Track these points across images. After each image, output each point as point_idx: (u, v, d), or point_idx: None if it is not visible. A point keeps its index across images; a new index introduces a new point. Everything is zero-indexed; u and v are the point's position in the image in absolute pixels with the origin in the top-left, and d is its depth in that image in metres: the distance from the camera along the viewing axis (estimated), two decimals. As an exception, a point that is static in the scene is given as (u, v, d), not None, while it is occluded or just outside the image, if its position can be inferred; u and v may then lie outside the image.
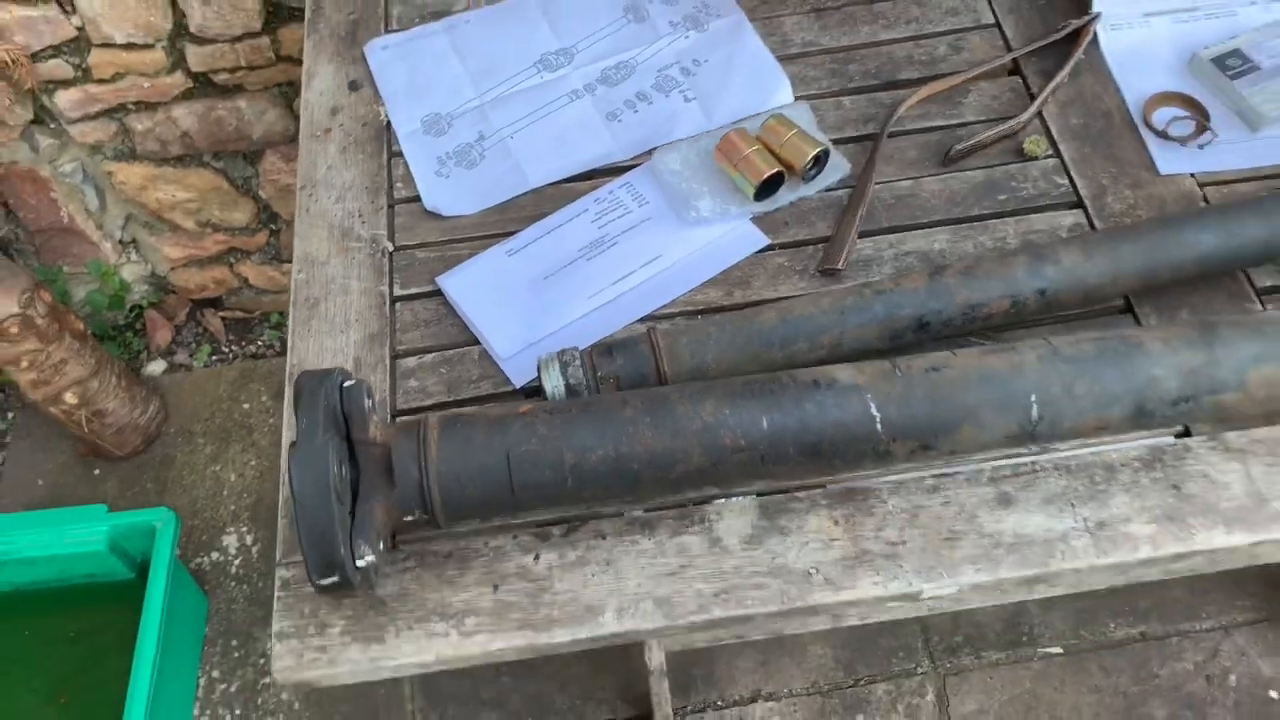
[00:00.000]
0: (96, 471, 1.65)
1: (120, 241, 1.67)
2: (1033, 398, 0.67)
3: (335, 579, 0.62)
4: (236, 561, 1.57)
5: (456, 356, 0.82)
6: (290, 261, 1.71)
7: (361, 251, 0.88)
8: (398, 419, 0.79)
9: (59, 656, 1.44)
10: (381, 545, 0.65)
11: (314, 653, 0.69)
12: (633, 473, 0.66)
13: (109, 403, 1.57)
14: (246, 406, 1.72)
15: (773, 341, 0.75)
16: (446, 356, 0.82)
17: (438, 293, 0.85)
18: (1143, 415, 0.69)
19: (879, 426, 0.66)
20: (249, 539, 1.59)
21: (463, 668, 0.70)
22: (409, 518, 0.66)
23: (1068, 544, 0.71)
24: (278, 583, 0.72)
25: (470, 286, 0.84)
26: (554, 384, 0.74)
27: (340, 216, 0.90)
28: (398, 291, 0.86)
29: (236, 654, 1.49)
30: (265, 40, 1.38)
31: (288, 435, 0.76)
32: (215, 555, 1.58)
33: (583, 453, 0.66)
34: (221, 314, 1.81)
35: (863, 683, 1.43)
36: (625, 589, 0.70)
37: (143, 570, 1.41)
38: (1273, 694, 1.40)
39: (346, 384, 0.66)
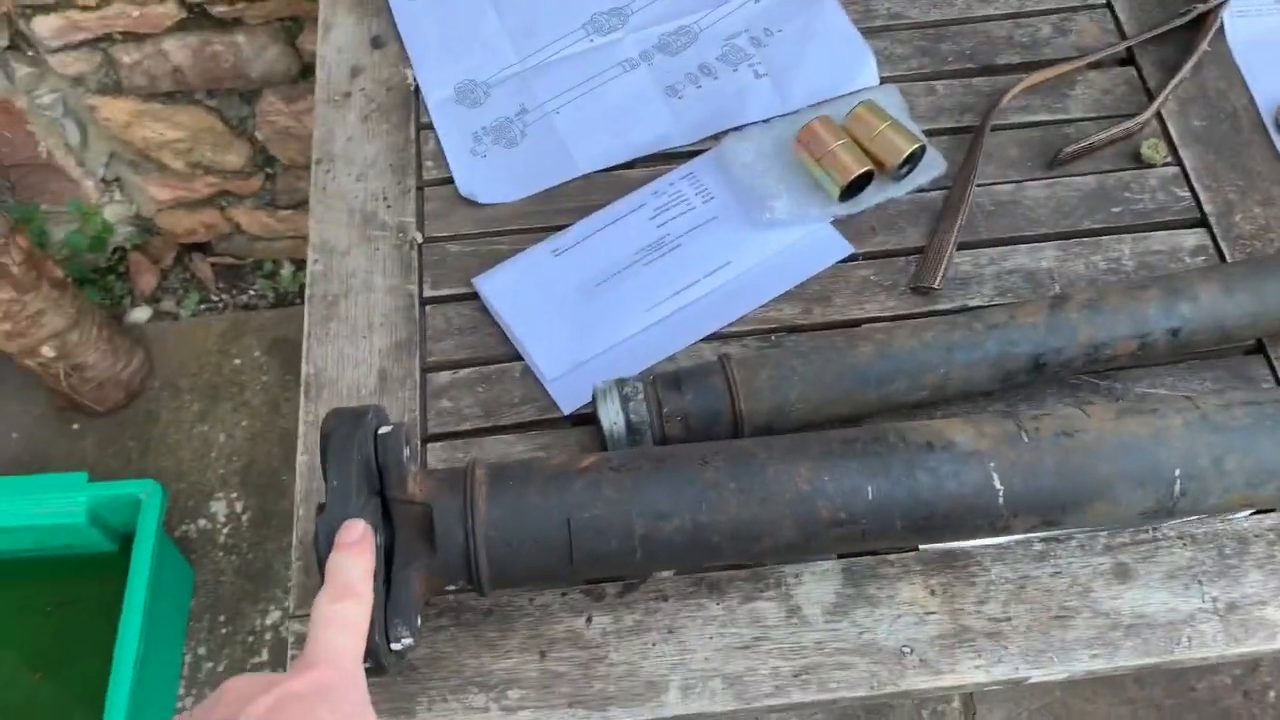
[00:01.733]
0: (75, 427, 1.54)
1: (103, 180, 1.54)
2: (1177, 472, 0.58)
3: (368, 666, 0.53)
4: (225, 530, 1.48)
5: (496, 374, 0.71)
6: (288, 208, 1.59)
7: (387, 242, 0.77)
8: (430, 444, 0.69)
9: (35, 629, 1.36)
10: (419, 621, 0.55)
11: (333, 727, 0.60)
12: (712, 545, 0.57)
13: (89, 355, 1.46)
14: (238, 362, 1.61)
15: (868, 380, 0.65)
16: (484, 373, 0.72)
17: (474, 295, 0.74)
18: (1297, 492, 0.60)
19: (1001, 500, 0.57)
20: (239, 506, 1.49)
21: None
22: (450, 587, 0.57)
23: (1194, 628, 0.62)
24: (291, 639, 0.63)
25: (512, 291, 0.74)
26: (612, 419, 0.64)
27: (362, 199, 0.79)
28: (428, 292, 0.75)
29: (224, 630, 1.40)
30: (268, -31, 1.24)
31: (300, 486, 0.66)
32: (202, 523, 1.48)
33: (656, 520, 0.56)
34: (211, 260, 1.69)
35: (886, 685, 1.36)
36: (691, 663, 0.61)
37: (125, 542, 1.31)
38: (1312, 712, 1.34)
39: (382, 430, 0.56)
